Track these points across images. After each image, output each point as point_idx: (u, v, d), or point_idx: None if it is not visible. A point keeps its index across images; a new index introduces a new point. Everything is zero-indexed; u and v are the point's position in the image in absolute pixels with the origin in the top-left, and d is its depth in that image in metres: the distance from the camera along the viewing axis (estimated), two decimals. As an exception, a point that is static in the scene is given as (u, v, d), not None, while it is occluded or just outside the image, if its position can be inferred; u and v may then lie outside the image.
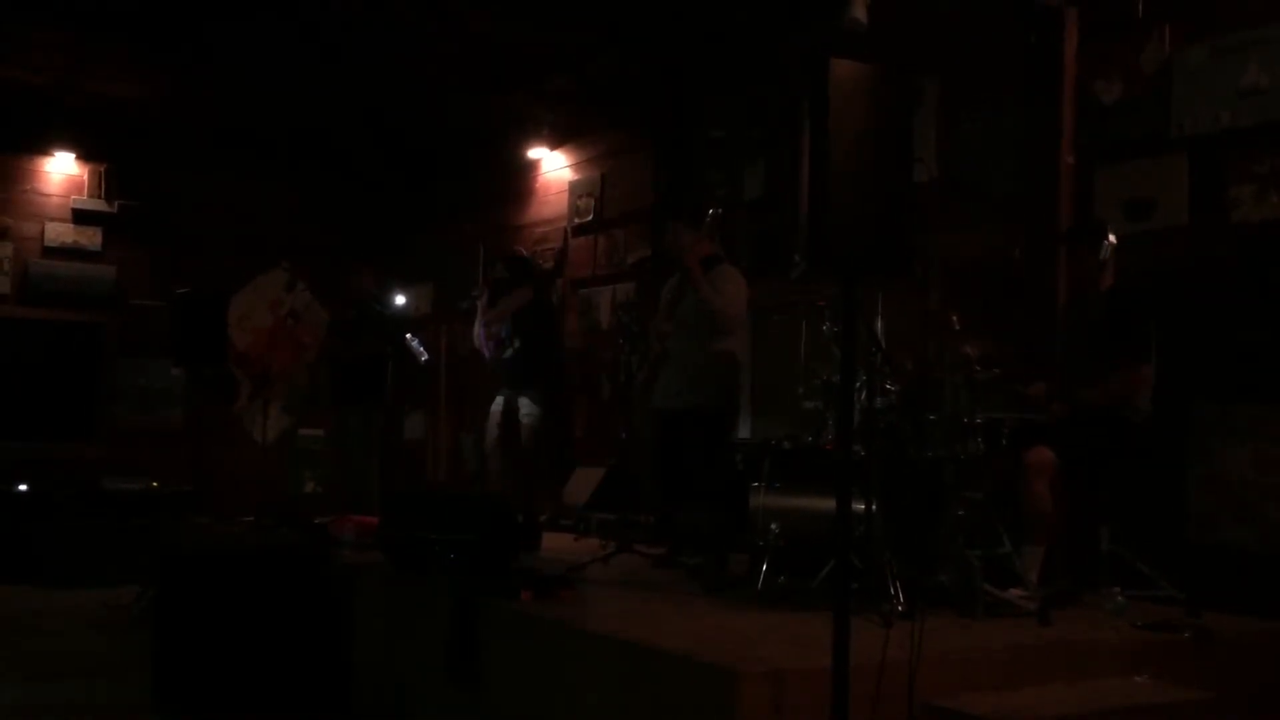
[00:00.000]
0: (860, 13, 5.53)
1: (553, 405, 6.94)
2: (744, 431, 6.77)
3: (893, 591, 4.05)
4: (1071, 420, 4.63)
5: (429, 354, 7.92)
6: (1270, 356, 4.80)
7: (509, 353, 6.93)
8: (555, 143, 9.31)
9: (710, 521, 5.19)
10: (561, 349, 7.55)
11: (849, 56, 3.11)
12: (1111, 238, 4.81)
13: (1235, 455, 4.88)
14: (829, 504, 3.27)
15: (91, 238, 10.00)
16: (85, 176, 10.00)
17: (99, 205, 9.99)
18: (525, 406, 6.96)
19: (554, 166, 9.47)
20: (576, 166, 9.22)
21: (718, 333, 5.49)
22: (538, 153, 9.47)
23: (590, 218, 8.94)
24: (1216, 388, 4.96)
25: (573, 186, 9.18)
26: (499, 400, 7.04)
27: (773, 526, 4.49)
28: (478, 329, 7.18)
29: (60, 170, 9.96)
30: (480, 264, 9.46)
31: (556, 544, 6.35)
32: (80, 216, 9.95)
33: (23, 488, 8.16)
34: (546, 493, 6.87)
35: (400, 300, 8.63)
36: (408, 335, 7.79)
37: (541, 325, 7.16)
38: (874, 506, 4.29)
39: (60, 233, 9.90)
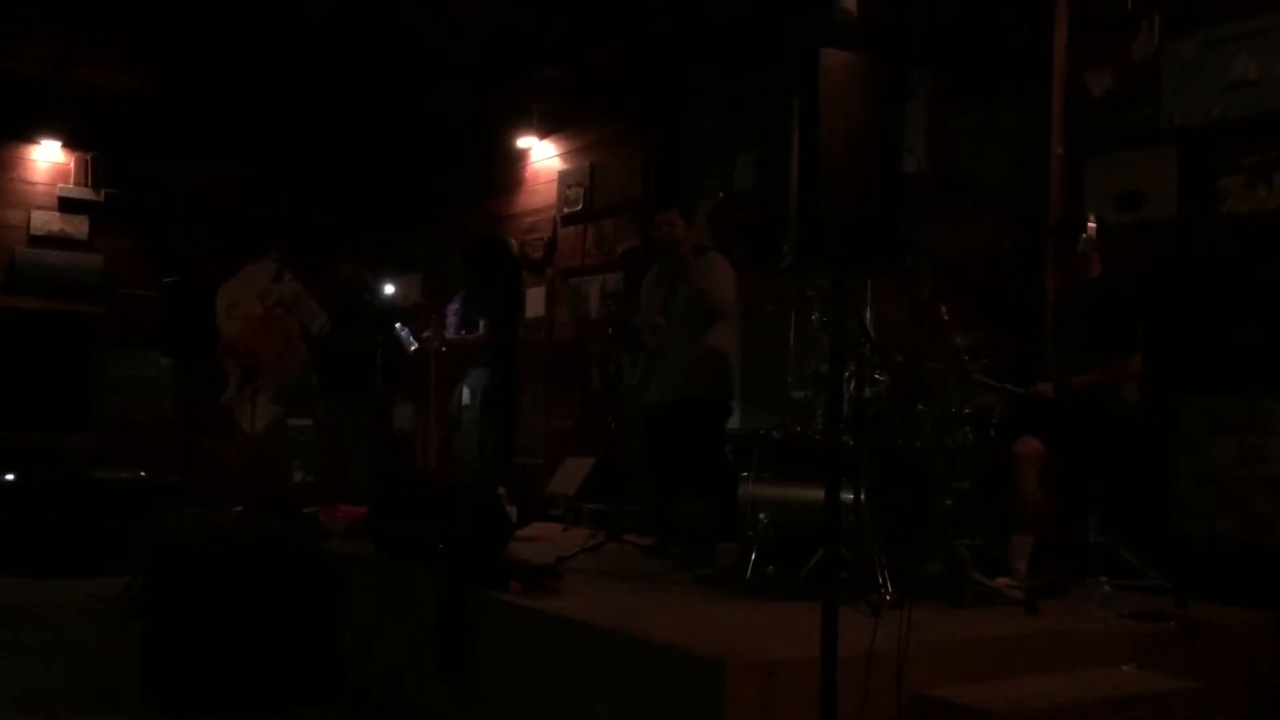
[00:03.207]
0: (849, 2, 5.51)
1: (505, 387, 7.02)
2: (733, 421, 6.76)
3: (881, 581, 4.06)
4: (1059, 405, 4.64)
5: (418, 344, 7.90)
6: (1258, 348, 4.82)
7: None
8: (545, 132, 9.29)
9: (702, 513, 5.19)
10: (519, 332, 7.60)
11: (840, 47, 3.10)
12: (1091, 225, 4.80)
13: (1223, 447, 4.90)
14: (818, 494, 3.27)
15: (78, 226, 9.96)
16: (72, 165, 9.96)
17: (85, 194, 9.95)
18: (475, 382, 7.06)
19: (543, 156, 9.44)
20: (566, 156, 9.19)
21: (710, 325, 5.49)
22: (527, 142, 9.44)
23: (579, 207, 8.92)
24: (1205, 379, 4.98)
25: (562, 176, 9.16)
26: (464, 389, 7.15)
27: (761, 517, 4.49)
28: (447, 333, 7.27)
29: (46, 158, 9.91)
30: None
31: (545, 533, 6.35)
32: (66, 205, 9.92)
33: (10, 477, 8.11)
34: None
35: (389, 290, 8.60)
36: (397, 325, 7.76)
37: (501, 307, 7.19)
38: (863, 496, 4.30)
39: (46, 221, 9.86)
